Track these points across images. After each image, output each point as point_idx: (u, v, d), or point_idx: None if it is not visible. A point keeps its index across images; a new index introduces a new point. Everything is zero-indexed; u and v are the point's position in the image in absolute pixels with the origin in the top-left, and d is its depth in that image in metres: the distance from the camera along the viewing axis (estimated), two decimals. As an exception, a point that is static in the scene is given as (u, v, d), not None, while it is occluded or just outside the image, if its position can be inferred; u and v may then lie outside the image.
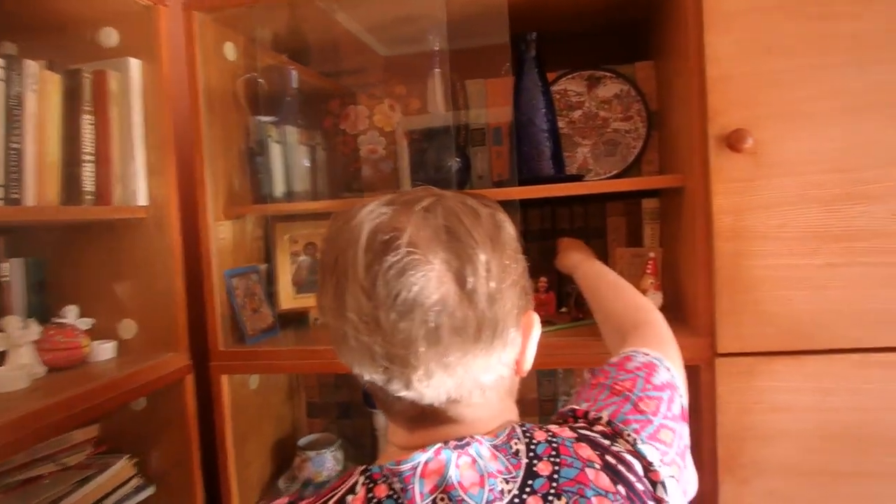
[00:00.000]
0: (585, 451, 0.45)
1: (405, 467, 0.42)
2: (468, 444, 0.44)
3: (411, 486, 0.41)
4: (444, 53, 1.00)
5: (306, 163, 1.09)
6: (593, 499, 0.42)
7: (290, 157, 1.10)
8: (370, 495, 0.43)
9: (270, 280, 1.14)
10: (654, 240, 1.12)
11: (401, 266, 0.40)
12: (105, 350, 1.00)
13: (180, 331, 1.02)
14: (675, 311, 1.03)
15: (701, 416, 0.90)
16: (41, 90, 0.88)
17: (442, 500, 0.41)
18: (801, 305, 0.85)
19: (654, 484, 0.45)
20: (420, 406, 0.44)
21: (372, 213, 0.43)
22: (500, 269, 0.43)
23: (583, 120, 1.11)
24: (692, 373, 0.92)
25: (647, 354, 0.57)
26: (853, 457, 0.86)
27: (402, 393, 0.43)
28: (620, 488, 0.43)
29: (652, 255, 1.00)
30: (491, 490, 0.42)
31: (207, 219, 1.02)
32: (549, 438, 0.46)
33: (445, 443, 0.43)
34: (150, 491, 1.03)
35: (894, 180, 0.82)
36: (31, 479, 0.92)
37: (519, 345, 0.47)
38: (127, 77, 0.99)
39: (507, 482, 0.43)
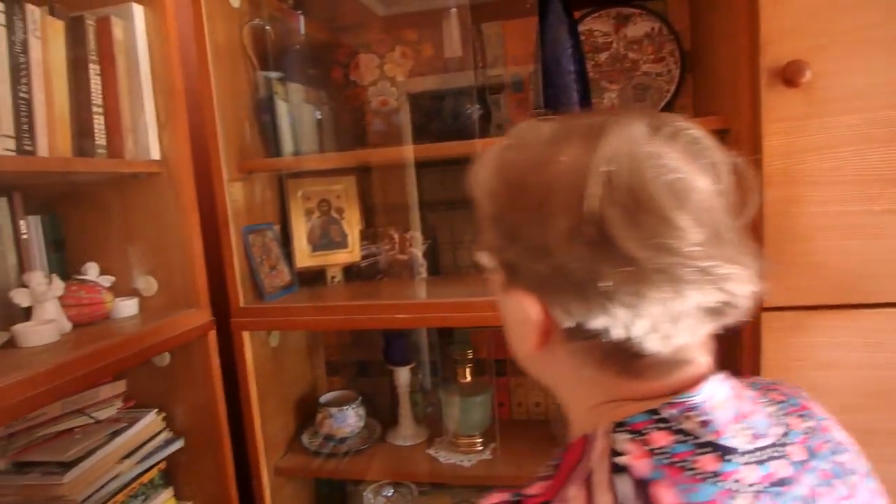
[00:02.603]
0: (813, 404, 0.45)
1: (697, 399, 0.38)
2: (725, 378, 0.41)
3: (711, 417, 0.38)
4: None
5: (318, 115, 1.05)
6: (844, 455, 0.42)
7: (297, 115, 1.06)
8: (649, 447, 0.37)
9: (284, 240, 1.12)
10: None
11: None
12: (127, 307, 1.00)
13: (200, 288, 1.01)
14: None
15: (742, 374, 0.86)
16: (44, 37, 0.85)
17: (742, 430, 0.38)
18: (855, 256, 0.79)
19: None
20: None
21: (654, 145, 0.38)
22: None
23: (610, 62, 1.03)
24: (733, 330, 0.87)
25: None
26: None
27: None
28: (854, 446, 0.44)
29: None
30: (768, 416, 0.41)
31: (221, 173, 0.99)
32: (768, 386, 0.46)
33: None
34: (179, 444, 1.05)
35: (964, 116, 0.73)
36: (65, 432, 0.94)
37: None
38: (131, 24, 0.95)
39: (769, 405, 0.42)
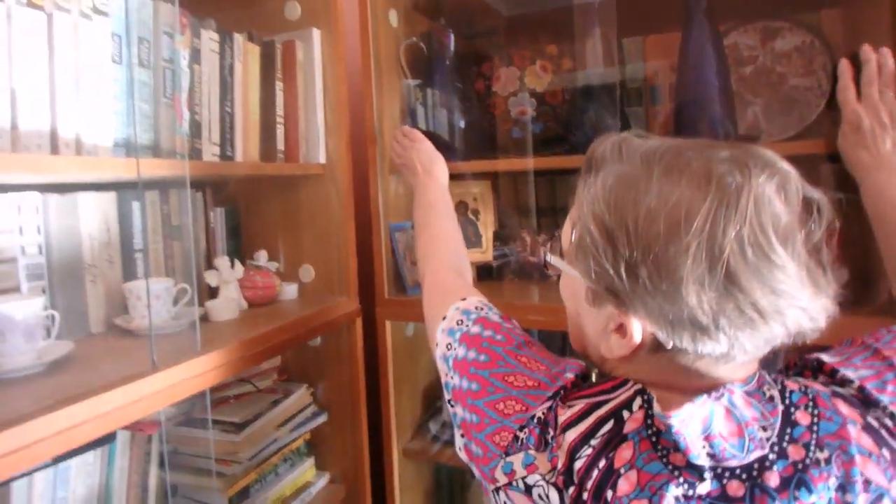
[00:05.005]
0: (844, 407, 0.45)
1: (674, 421, 0.42)
2: (722, 394, 0.44)
3: (682, 437, 0.42)
4: (608, 9, 0.98)
5: (461, 123, 1.14)
6: (857, 457, 0.42)
7: (436, 120, 1.15)
8: (649, 422, 0.44)
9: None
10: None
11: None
12: (290, 291, 1.13)
13: (352, 278, 1.13)
14: (862, 289, 0.94)
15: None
16: (245, 60, 1.00)
17: (705, 447, 0.42)
18: None
19: None
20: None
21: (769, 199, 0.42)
22: None
23: (754, 76, 1.03)
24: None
25: None
26: None
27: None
28: (885, 452, 0.42)
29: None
30: (752, 439, 0.43)
31: (376, 175, 1.11)
32: (803, 388, 0.46)
33: (709, 394, 0.44)
34: (323, 418, 1.17)
35: None
36: (238, 396, 1.09)
37: None
38: (310, 46, 1.09)
39: (764, 429, 0.43)
